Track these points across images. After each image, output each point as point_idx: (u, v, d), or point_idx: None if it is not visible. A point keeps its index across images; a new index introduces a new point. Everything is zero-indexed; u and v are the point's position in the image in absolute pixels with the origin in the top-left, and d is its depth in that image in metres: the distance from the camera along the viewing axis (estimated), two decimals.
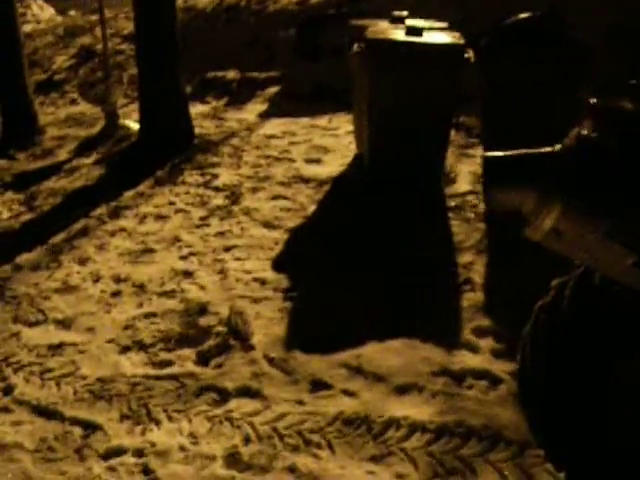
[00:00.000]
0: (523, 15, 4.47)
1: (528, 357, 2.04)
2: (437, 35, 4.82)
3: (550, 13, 4.60)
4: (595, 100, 1.57)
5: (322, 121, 6.93)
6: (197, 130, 6.78)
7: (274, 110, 7.56)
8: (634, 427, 1.96)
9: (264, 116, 7.39)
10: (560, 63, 4.17)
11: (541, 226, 1.55)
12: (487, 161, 1.63)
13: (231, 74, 8.75)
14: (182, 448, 2.70)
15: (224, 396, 3.00)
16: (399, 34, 4.79)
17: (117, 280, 4.14)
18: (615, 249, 1.51)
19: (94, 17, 10.69)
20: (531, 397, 2.08)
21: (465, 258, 4.01)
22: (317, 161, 5.85)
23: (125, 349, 3.42)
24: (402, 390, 2.90)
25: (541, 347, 1.98)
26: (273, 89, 8.21)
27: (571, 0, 7.16)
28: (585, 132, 1.52)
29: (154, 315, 3.71)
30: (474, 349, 3.15)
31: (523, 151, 1.64)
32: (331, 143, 6.26)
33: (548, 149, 1.58)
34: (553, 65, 4.17)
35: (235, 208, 5.05)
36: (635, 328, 1.86)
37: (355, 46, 4.90)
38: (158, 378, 3.16)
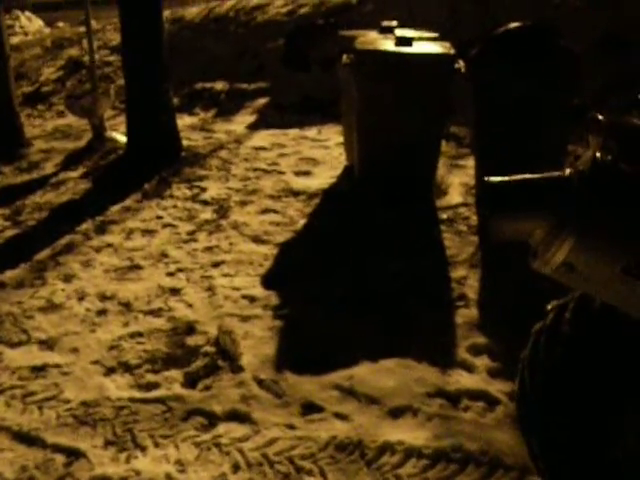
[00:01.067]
0: (513, 25, 4.41)
1: (527, 381, 1.96)
2: (427, 45, 4.76)
3: (541, 23, 4.55)
4: (602, 117, 1.46)
5: (311, 132, 6.87)
6: (185, 142, 6.70)
7: (263, 122, 7.49)
8: (636, 453, 1.88)
9: (253, 128, 7.32)
10: (550, 73, 4.11)
11: (552, 259, 1.43)
12: (488, 186, 1.52)
13: (219, 85, 8.68)
14: (169, 477, 2.59)
15: (212, 420, 2.89)
16: (389, 44, 4.72)
17: (103, 298, 4.03)
18: (634, 285, 1.40)
19: (82, 29, 10.58)
20: (530, 423, 2.00)
21: (458, 272, 3.93)
22: (306, 173, 5.78)
23: (110, 371, 3.31)
24: (396, 413, 2.80)
25: (541, 372, 1.90)
26: (262, 100, 8.15)
27: (563, 9, 7.13)
28: (601, 156, 1.40)
29: (140, 335, 3.61)
30: (470, 368, 3.06)
31: (528, 176, 1.52)
32: (320, 155, 6.19)
33: (557, 174, 1.46)
34: (542, 75, 4.10)
35: (223, 222, 4.96)
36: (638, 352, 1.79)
37: (344, 57, 4.83)
38: (144, 401, 3.05)
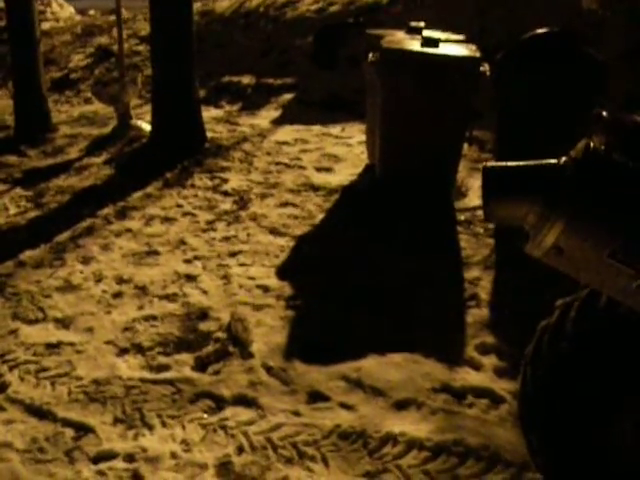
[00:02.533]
0: (540, 31, 4.42)
1: (529, 378, 1.99)
2: (453, 47, 4.77)
3: (567, 29, 4.56)
4: (606, 113, 1.51)
5: (335, 130, 6.90)
6: (209, 134, 6.76)
7: (287, 117, 7.54)
8: (634, 450, 1.90)
9: (277, 122, 7.37)
10: (575, 79, 4.12)
11: (542, 243, 1.49)
12: (487, 172, 1.57)
13: (246, 79, 8.74)
14: (174, 455, 2.64)
15: (220, 404, 2.94)
16: (415, 45, 4.74)
17: (119, 281, 4.09)
18: (620, 270, 1.44)
19: (112, 17, 10.69)
20: (531, 419, 2.03)
21: (472, 273, 3.95)
22: (328, 169, 5.81)
23: (123, 351, 3.37)
24: (401, 405, 2.83)
25: (543, 368, 1.93)
26: (287, 96, 8.20)
27: (591, 18, 7.12)
28: (593, 145, 1.45)
29: (154, 318, 3.66)
30: (477, 366, 3.08)
31: (525, 162, 1.58)
32: (343, 152, 6.22)
33: (552, 161, 1.52)
34: (568, 81, 4.11)
35: (243, 213, 5.01)
36: None
37: (370, 55, 4.86)
38: (154, 382, 3.10)
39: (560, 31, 4.38)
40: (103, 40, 10.82)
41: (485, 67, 4.63)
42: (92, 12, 13.99)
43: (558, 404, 1.94)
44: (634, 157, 1.46)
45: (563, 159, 1.54)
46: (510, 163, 1.60)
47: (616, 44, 5.78)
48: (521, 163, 1.60)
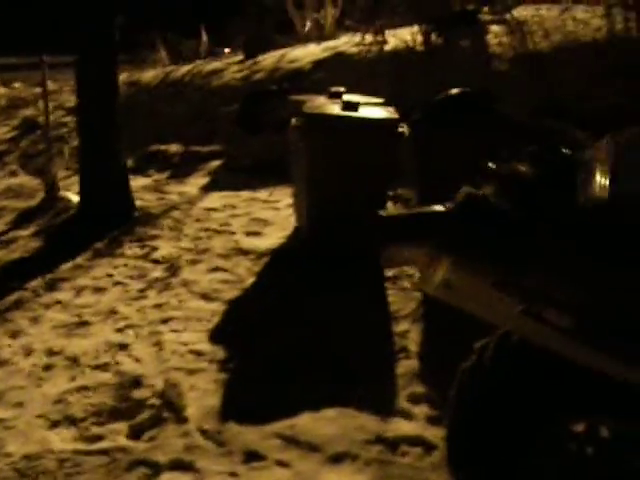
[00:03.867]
0: (453, 91, 4.64)
1: (454, 419, 2.07)
2: (372, 110, 4.95)
3: (478, 89, 4.79)
4: (493, 165, 1.68)
5: (263, 194, 6.99)
6: (138, 203, 6.77)
7: (216, 183, 7.61)
8: None
9: (206, 189, 7.43)
10: (485, 136, 4.31)
11: (432, 278, 1.63)
12: (381, 220, 1.70)
13: (174, 147, 8.81)
14: None
15: (156, 470, 2.93)
16: (336, 109, 4.91)
17: (50, 353, 4.06)
18: (503, 299, 1.59)
19: (37, 90, 10.71)
20: (458, 458, 2.10)
21: (401, 327, 4.05)
22: (257, 234, 5.88)
23: (55, 424, 3.33)
24: (336, 459, 2.88)
25: (466, 408, 2.01)
26: (215, 163, 8.29)
27: (505, 78, 7.47)
28: (472, 191, 1.61)
29: (87, 389, 3.63)
30: (409, 416, 3.15)
31: (416, 209, 1.72)
32: (271, 216, 6.31)
33: (438, 207, 1.66)
34: (478, 138, 4.30)
35: (173, 280, 5.03)
36: (552, 387, 1.92)
37: (293, 120, 5.00)
38: (88, 453, 3.07)
39: (471, 91, 4.61)
40: (28, 112, 10.80)
41: (403, 127, 4.81)
42: (17, 85, 13.96)
43: (481, 441, 2.02)
44: (513, 200, 1.63)
45: (447, 204, 1.69)
46: (401, 211, 1.75)
47: (525, 101, 6.07)
48: (412, 210, 1.74)
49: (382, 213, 1.77)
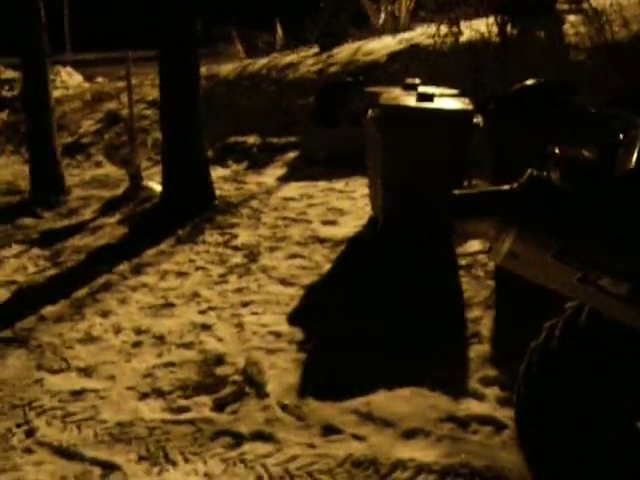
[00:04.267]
0: (529, 81, 4.69)
1: (523, 396, 2.17)
2: (447, 101, 5.04)
3: (554, 80, 4.83)
4: (558, 150, 1.83)
5: (339, 185, 7.13)
6: (218, 192, 6.99)
7: (292, 174, 7.78)
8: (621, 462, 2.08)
9: (283, 180, 7.61)
10: (561, 127, 4.36)
11: (500, 250, 1.80)
12: (457, 198, 1.87)
13: (251, 139, 9.02)
14: None
15: (238, 440, 3.11)
16: (411, 100, 5.01)
17: (138, 332, 4.29)
18: (562, 268, 1.74)
19: (120, 84, 11.07)
20: (527, 436, 2.21)
21: (474, 313, 4.15)
22: (333, 223, 6.02)
23: (144, 396, 3.56)
24: (409, 434, 3.01)
25: (534, 386, 2.12)
26: (292, 154, 8.46)
27: (580, 68, 7.43)
28: (535, 172, 1.78)
29: (173, 365, 3.85)
30: (480, 397, 3.26)
31: (486, 188, 1.89)
32: (347, 206, 6.44)
33: (505, 186, 1.84)
34: (553, 128, 4.35)
35: (253, 266, 5.22)
36: (621, 366, 2.01)
37: (369, 112, 5.13)
38: (175, 423, 3.28)
39: (547, 81, 4.65)
40: (112, 106, 11.18)
41: (478, 119, 4.89)
42: (100, 79, 14.43)
43: (550, 419, 2.12)
44: (576, 183, 1.77)
45: (513, 185, 1.85)
46: (473, 190, 1.92)
47: (602, 92, 6.04)
48: (482, 189, 1.91)
49: (456, 192, 1.94)
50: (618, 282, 1.74)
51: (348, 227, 5.86)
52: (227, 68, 11.71)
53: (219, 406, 3.41)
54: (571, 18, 9.21)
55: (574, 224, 1.77)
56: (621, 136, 2.02)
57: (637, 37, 8.08)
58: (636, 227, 1.75)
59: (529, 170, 1.86)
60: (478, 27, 9.37)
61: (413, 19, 13.69)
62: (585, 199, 1.78)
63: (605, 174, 1.85)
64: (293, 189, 7.13)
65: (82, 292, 4.96)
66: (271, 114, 9.60)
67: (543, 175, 1.83)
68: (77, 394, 3.61)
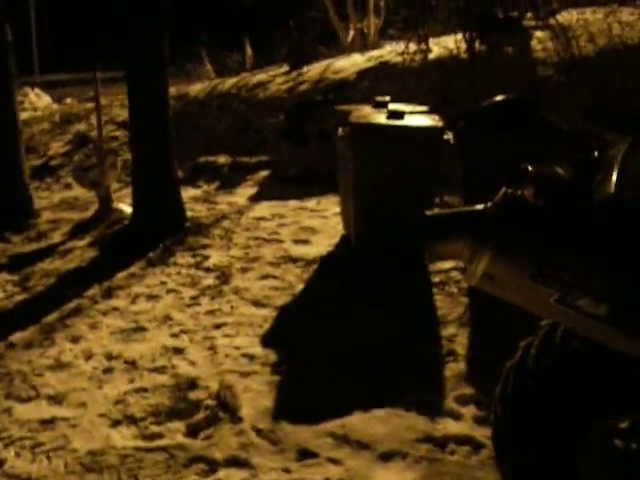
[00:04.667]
0: (499, 97, 4.70)
1: (500, 416, 2.15)
2: (417, 118, 5.04)
3: (523, 96, 4.85)
4: (531, 167, 1.81)
5: (310, 203, 7.11)
6: (189, 213, 6.94)
7: (264, 193, 7.75)
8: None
9: (254, 199, 7.58)
10: (531, 142, 4.38)
11: (475, 271, 1.77)
12: (427, 218, 1.85)
13: (222, 159, 8.99)
14: None
15: (213, 466, 3.06)
16: (381, 118, 5.01)
17: (109, 357, 4.22)
18: (539, 289, 1.71)
19: (89, 105, 11.00)
20: (505, 455, 2.19)
21: (449, 331, 4.13)
22: (305, 242, 5.99)
23: (116, 423, 3.49)
24: (386, 457, 2.98)
25: (511, 405, 2.10)
26: (263, 173, 8.44)
27: (547, 83, 7.49)
28: (509, 190, 1.76)
29: (145, 390, 3.79)
30: (457, 417, 3.24)
31: (459, 209, 1.87)
32: (319, 224, 6.42)
33: (479, 206, 1.81)
34: (523, 144, 4.36)
35: (225, 288, 5.17)
36: (598, 384, 1.99)
37: (340, 130, 5.12)
38: (148, 450, 3.22)
39: (516, 98, 4.67)
40: (81, 127, 11.08)
41: (449, 135, 4.90)
42: (69, 101, 14.33)
43: (526, 437, 2.10)
44: (551, 202, 1.76)
45: (487, 204, 1.82)
46: (445, 210, 1.89)
47: (570, 107, 6.09)
48: (455, 210, 1.88)
49: (428, 213, 1.91)
50: (596, 303, 1.72)
51: (320, 246, 5.84)
52: (197, 88, 11.67)
53: (192, 432, 3.35)
54: (538, 34, 9.31)
55: (551, 245, 1.75)
56: (596, 154, 2.01)
57: (603, 52, 8.18)
58: (616, 249, 1.73)
59: (503, 189, 1.84)
60: (447, 44, 9.46)
61: (382, 37, 13.79)
62: (563, 220, 1.77)
63: (581, 194, 1.83)
64: (264, 209, 7.10)
65: (52, 317, 4.87)
66: (241, 133, 9.58)
67: (518, 194, 1.81)
68: (47, 423, 3.54)
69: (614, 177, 1.81)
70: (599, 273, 1.73)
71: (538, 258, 1.74)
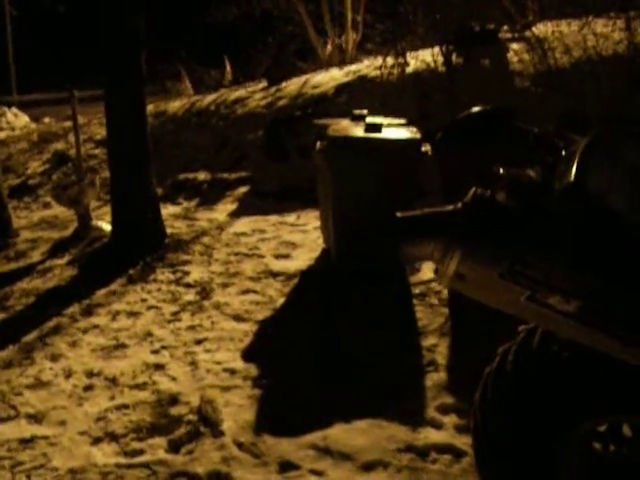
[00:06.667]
0: (475, 109, 4.73)
1: (479, 423, 2.16)
2: (395, 131, 5.07)
3: (501, 106, 4.88)
4: (502, 170, 1.82)
5: (291, 218, 7.12)
6: (169, 230, 6.92)
7: (244, 209, 7.75)
8: None
9: (234, 215, 7.57)
10: (508, 153, 4.40)
11: (446, 272, 1.77)
12: (398, 220, 1.86)
13: (202, 175, 8.99)
14: None
15: None
16: (359, 131, 5.03)
17: (89, 375, 4.19)
18: (510, 288, 1.72)
19: (68, 123, 10.98)
20: (485, 462, 2.19)
21: (429, 341, 4.14)
22: (286, 256, 5.99)
23: (97, 440, 3.46)
24: (368, 467, 2.98)
25: (490, 411, 2.11)
26: (243, 189, 8.44)
27: (524, 94, 7.56)
28: (479, 192, 1.77)
29: (126, 407, 3.77)
30: (438, 426, 3.25)
31: (430, 209, 1.87)
32: (299, 239, 6.42)
33: (449, 207, 1.82)
34: (501, 154, 4.39)
35: (206, 303, 5.16)
36: (576, 388, 2.00)
37: (318, 144, 5.14)
38: (130, 467, 3.20)
39: (492, 108, 4.69)
40: (59, 146, 11.05)
41: (427, 147, 4.92)
42: (47, 120, 14.29)
43: (508, 445, 2.11)
44: (522, 201, 1.77)
45: (457, 205, 1.83)
46: (416, 211, 1.89)
47: (546, 117, 6.13)
48: (425, 211, 1.88)
49: (399, 214, 1.92)
50: (567, 300, 1.74)
51: (301, 260, 5.84)
52: (175, 105, 11.69)
53: (174, 447, 3.33)
54: (514, 46, 9.39)
55: (520, 243, 1.76)
56: (563, 153, 2.03)
57: (578, 63, 8.27)
58: (583, 242, 1.75)
59: (473, 189, 1.86)
60: (424, 57, 9.52)
61: (360, 51, 13.86)
62: (531, 218, 1.78)
63: (548, 192, 1.85)
64: (245, 224, 7.09)
65: (31, 336, 4.84)
66: (221, 150, 9.59)
67: (487, 194, 1.83)
68: (27, 442, 3.51)
69: (574, 168, 1.84)
70: (566, 268, 1.74)
71: (508, 257, 1.76)
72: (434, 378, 3.70)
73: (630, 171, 1.94)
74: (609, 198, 1.82)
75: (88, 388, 4.03)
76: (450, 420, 3.28)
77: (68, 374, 4.22)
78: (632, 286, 1.73)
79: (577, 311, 1.73)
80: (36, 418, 3.73)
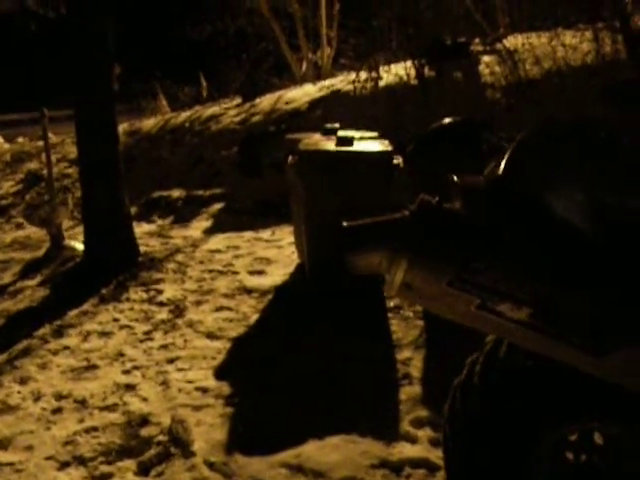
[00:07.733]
0: (446, 120, 4.72)
1: (449, 436, 2.11)
2: (366, 144, 5.04)
3: (471, 118, 4.88)
4: (457, 178, 1.79)
5: (265, 234, 7.08)
6: (142, 248, 6.85)
7: (218, 226, 7.70)
8: None
9: (209, 232, 7.52)
10: (478, 164, 4.39)
11: (394, 281, 1.72)
12: (344, 229, 1.81)
13: (176, 193, 8.94)
14: None
15: None
16: (330, 144, 5.00)
17: (58, 397, 4.10)
18: (459, 296, 1.67)
19: (41, 143, 10.87)
20: (456, 476, 2.14)
21: (404, 354, 4.10)
22: (260, 272, 5.94)
23: (64, 465, 3.37)
24: None
25: (459, 424, 2.06)
26: (217, 206, 8.39)
27: (495, 105, 7.58)
28: (426, 199, 1.73)
29: (95, 429, 3.68)
30: (412, 440, 3.20)
31: (375, 217, 1.83)
32: (274, 255, 6.37)
33: (396, 215, 1.77)
34: (470, 165, 4.37)
35: (179, 321, 5.09)
36: (544, 397, 1.96)
37: (290, 158, 5.10)
38: None
39: (463, 120, 4.69)
40: (32, 166, 10.96)
41: (399, 159, 4.90)
42: (20, 139, 14.17)
43: (477, 457, 2.06)
44: (467, 205, 1.73)
45: (404, 212, 1.79)
46: (363, 220, 1.84)
47: (517, 128, 6.14)
48: (372, 219, 1.84)
49: (345, 223, 1.88)
50: (518, 306, 1.69)
51: (275, 276, 5.79)
52: (150, 123, 11.64)
53: (144, 469, 3.26)
54: (486, 58, 9.45)
55: (467, 250, 1.72)
56: None
57: (549, 74, 8.32)
58: (531, 246, 1.71)
59: (420, 197, 1.82)
60: (397, 71, 9.56)
61: (334, 66, 13.90)
62: (476, 224, 1.74)
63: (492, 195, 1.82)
64: (219, 241, 7.04)
65: (0, 359, 4.74)
66: (195, 167, 9.55)
67: (433, 201, 1.79)
68: None
69: (503, 163, 1.81)
70: (513, 274, 1.70)
71: (454, 264, 1.71)
72: (408, 391, 3.65)
73: (564, 169, 1.90)
74: (543, 195, 1.78)
75: (57, 411, 3.93)
76: (424, 434, 3.23)
77: (37, 397, 4.13)
78: (575, 287, 1.69)
79: (528, 318, 1.69)
80: (2, 444, 3.62)
